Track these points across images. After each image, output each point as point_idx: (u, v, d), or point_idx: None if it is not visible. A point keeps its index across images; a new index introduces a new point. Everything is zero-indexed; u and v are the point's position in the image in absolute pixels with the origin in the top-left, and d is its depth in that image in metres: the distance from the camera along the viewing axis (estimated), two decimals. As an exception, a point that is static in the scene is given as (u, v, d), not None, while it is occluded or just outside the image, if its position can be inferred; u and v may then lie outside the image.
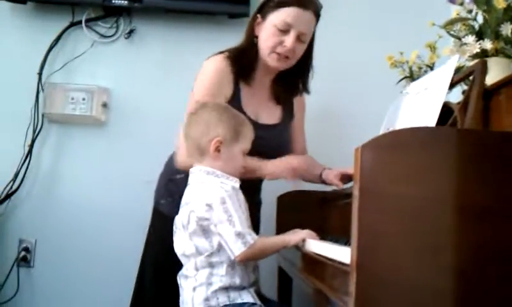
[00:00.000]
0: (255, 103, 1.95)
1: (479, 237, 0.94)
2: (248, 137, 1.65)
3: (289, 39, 1.85)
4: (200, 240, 1.54)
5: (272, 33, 1.86)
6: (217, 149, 1.59)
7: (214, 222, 1.50)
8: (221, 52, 1.96)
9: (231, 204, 1.49)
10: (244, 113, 1.85)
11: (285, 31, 1.85)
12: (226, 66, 1.91)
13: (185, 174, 1.86)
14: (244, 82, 1.94)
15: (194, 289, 1.54)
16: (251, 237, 1.47)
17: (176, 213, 1.67)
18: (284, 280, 2.31)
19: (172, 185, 1.95)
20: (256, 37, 1.93)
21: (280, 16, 1.85)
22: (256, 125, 1.84)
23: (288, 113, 2.08)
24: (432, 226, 0.94)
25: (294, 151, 2.09)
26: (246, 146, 1.65)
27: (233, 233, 1.46)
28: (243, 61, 1.93)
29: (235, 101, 1.89)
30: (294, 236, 1.54)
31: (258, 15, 1.92)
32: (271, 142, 1.93)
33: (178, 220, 1.62)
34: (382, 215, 0.94)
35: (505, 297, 0.93)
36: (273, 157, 1.88)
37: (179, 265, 1.69)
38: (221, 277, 1.51)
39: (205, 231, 1.53)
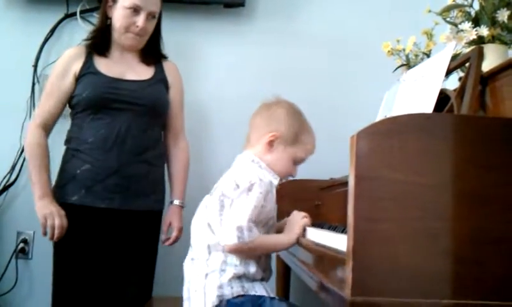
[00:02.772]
0: (119, 68, 2.07)
1: (476, 223, 0.94)
2: (306, 148, 1.62)
3: (140, 20, 2.01)
4: (214, 213, 1.51)
5: (124, 15, 2.01)
6: (271, 144, 1.57)
7: (231, 200, 1.47)
8: None
9: (256, 193, 1.46)
10: (101, 73, 2.02)
11: (135, 12, 2.00)
12: (77, 50, 2.09)
13: (69, 159, 2.03)
14: (97, 55, 2.07)
15: (206, 275, 1.49)
16: (248, 234, 1.42)
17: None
18: (283, 269, 2.32)
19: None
20: (110, 18, 2.07)
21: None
22: (120, 80, 2.03)
23: (159, 74, 2.16)
24: (429, 212, 0.94)
25: (171, 127, 2.20)
26: (301, 156, 1.62)
27: (236, 223, 1.42)
28: (96, 40, 2.08)
29: (87, 68, 2.03)
30: (290, 236, 1.53)
31: None
32: (140, 94, 2.04)
33: (207, 197, 1.61)
34: (378, 201, 0.94)
35: (504, 283, 0.93)
36: (145, 111, 2.04)
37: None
38: (235, 266, 1.47)
39: (221, 207, 1.50)
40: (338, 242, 1.09)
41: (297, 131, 1.60)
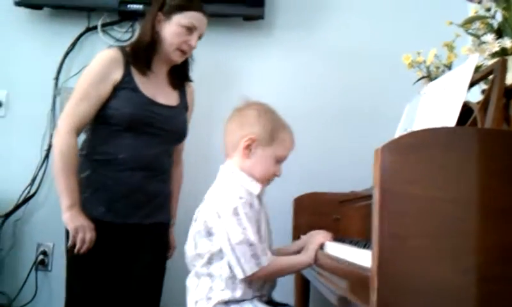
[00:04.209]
0: (152, 88, 2.05)
1: (501, 239, 0.93)
2: (285, 145, 1.59)
3: (193, 39, 2.05)
4: (202, 240, 1.51)
5: (179, 32, 2.02)
6: (248, 148, 1.55)
7: (226, 234, 1.45)
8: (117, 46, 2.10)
9: (244, 215, 1.45)
10: (140, 92, 1.98)
11: (189, 30, 2.03)
12: (116, 54, 2.01)
13: (90, 171, 1.97)
14: (137, 71, 2.02)
15: (196, 303, 1.52)
16: (265, 258, 1.45)
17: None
18: (302, 282, 2.30)
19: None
20: (157, 33, 2.04)
21: (187, 18, 2.03)
22: (154, 103, 2.02)
23: (183, 99, 2.17)
24: (454, 227, 0.92)
25: (177, 147, 2.19)
26: (282, 153, 1.59)
27: (249, 252, 1.43)
28: (140, 54, 2.04)
29: (127, 82, 1.99)
30: (309, 255, 1.53)
31: (160, 13, 2.04)
32: (170, 121, 2.06)
33: (195, 216, 1.60)
34: (403, 217, 0.92)
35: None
36: (171, 138, 2.08)
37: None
38: (220, 292, 1.47)
39: (208, 233, 1.51)
40: (362, 258, 1.08)
41: (272, 129, 1.57)
